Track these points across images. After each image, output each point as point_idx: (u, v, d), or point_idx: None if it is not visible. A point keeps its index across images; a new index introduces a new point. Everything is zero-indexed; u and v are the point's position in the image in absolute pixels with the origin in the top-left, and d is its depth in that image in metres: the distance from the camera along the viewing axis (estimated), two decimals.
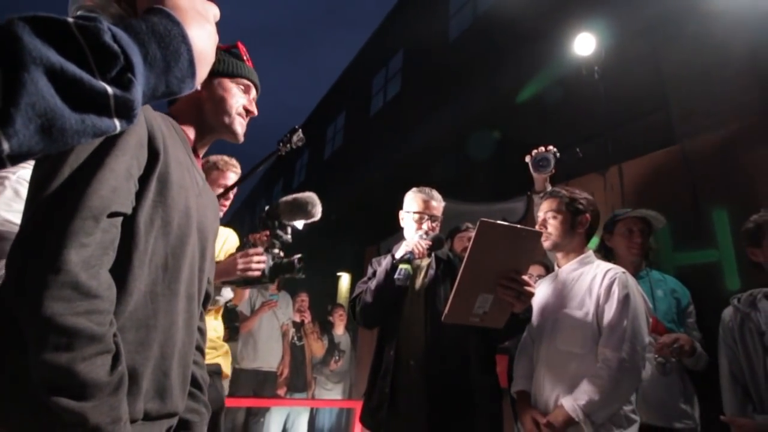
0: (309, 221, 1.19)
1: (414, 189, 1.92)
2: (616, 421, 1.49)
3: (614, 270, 1.64)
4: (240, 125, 1.06)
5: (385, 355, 1.73)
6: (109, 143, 0.71)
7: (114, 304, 0.68)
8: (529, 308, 1.44)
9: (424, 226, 1.82)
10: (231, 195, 1.76)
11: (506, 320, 1.36)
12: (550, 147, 2.02)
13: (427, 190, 1.91)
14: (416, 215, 1.84)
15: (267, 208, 1.15)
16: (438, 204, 1.89)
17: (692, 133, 2.85)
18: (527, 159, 2.08)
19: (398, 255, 1.73)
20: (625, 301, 1.54)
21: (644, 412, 1.72)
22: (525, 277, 1.28)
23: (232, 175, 1.84)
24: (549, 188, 2.06)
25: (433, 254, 1.86)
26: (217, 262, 1.36)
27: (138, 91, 0.40)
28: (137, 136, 0.76)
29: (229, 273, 1.44)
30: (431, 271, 1.83)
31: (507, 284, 1.27)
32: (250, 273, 1.43)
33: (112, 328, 0.67)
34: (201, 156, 1.06)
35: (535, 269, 2.79)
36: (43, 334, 0.60)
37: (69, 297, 0.61)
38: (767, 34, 3.33)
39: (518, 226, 1.21)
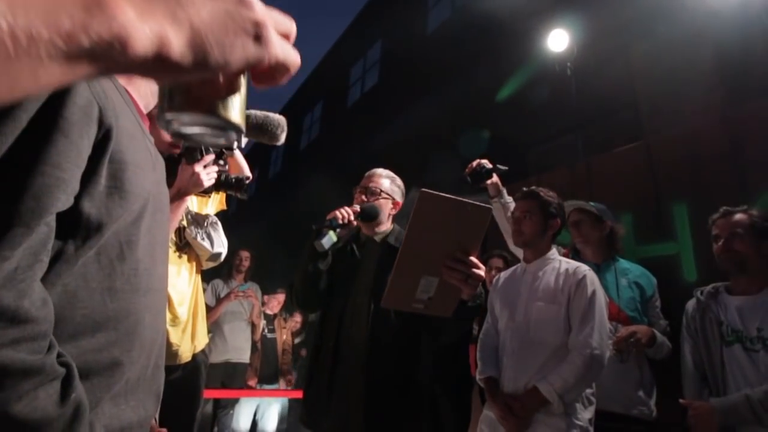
0: (270, 144, 1.11)
1: None
2: (579, 400, 1.67)
3: (581, 267, 1.80)
4: None
5: (324, 348, 1.59)
6: (51, 123, 0.58)
7: (52, 322, 0.57)
8: (480, 294, 1.29)
9: (358, 199, 1.72)
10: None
11: (455, 307, 1.19)
12: (478, 163, 2.09)
13: (373, 169, 1.84)
14: (356, 190, 1.77)
15: None
16: (375, 177, 1.77)
17: (659, 130, 2.94)
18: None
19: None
20: (593, 296, 1.72)
21: (600, 398, 1.78)
22: (473, 259, 1.12)
23: None
24: (504, 191, 2.14)
25: (386, 242, 1.69)
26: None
27: None
28: (82, 110, 0.63)
29: (190, 187, 1.37)
30: (381, 260, 1.64)
31: (453, 265, 1.10)
32: (208, 183, 1.39)
33: (52, 353, 0.56)
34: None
35: (495, 261, 2.84)
36: None
37: None
38: (732, 38, 3.45)
39: (464, 199, 1.06)
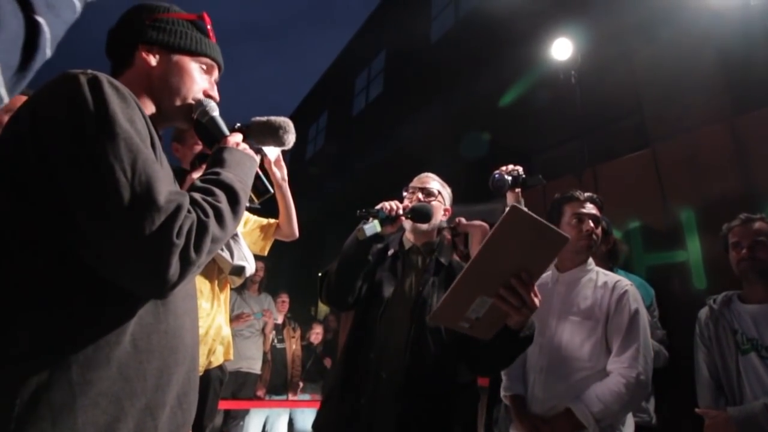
0: (279, 148, 1.08)
1: None
2: (616, 422, 1.55)
3: (622, 281, 1.66)
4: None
5: (350, 363, 1.47)
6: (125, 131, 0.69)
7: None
8: (531, 325, 1.19)
9: (414, 198, 1.61)
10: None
11: (494, 332, 1.13)
12: (513, 167, 1.99)
13: (426, 173, 1.74)
14: (409, 190, 1.65)
15: (238, 125, 1.02)
16: (428, 179, 1.69)
17: (664, 137, 2.94)
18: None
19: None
20: (636, 315, 1.57)
21: None
22: (532, 287, 1.05)
23: None
24: (522, 202, 2.05)
25: (434, 258, 1.57)
26: None
27: None
28: (142, 122, 0.74)
29: None
30: (426, 275, 1.52)
31: (516, 285, 1.03)
32: None
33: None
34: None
35: None
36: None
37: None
38: (736, 44, 3.45)
39: (548, 224, 1.01)
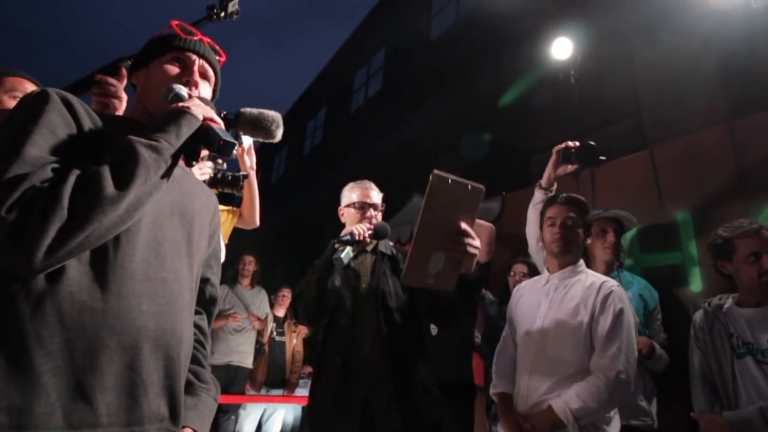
0: (267, 141, 1.09)
1: (349, 184, 1.89)
2: (599, 421, 1.55)
3: (610, 282, 1.67)
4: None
5: (328, 362, 1.62)
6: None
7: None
8: (477, 273, 1.36)
9: (367, 215, 1.77)
10: None
11: (456, 280, 1.26)
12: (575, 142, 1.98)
13: (364, 182, 1.86)
14: (357, 205, 1.79)
15: (225, 113, 1.02)
16: (377, 194, 1.85)
17: (663, 139, 2.94)
18: (557, 149, 2.06)
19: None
20: (620, 315, 1.58)
21: None
22: (470, 230, 1.19)
23: None
24: (555, 186, 2.06)
25: (378, 251, 1.78)
26: None
27: None
28: (60, 116, 0.81)
29: None
30: (377, 269, 1.74)
31: (457, 239, 1.17)
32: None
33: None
34: None
35: (519, 267, 2.82)
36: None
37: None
38: (736, 47, 3.45)
39: (464, 180, 1.16)
